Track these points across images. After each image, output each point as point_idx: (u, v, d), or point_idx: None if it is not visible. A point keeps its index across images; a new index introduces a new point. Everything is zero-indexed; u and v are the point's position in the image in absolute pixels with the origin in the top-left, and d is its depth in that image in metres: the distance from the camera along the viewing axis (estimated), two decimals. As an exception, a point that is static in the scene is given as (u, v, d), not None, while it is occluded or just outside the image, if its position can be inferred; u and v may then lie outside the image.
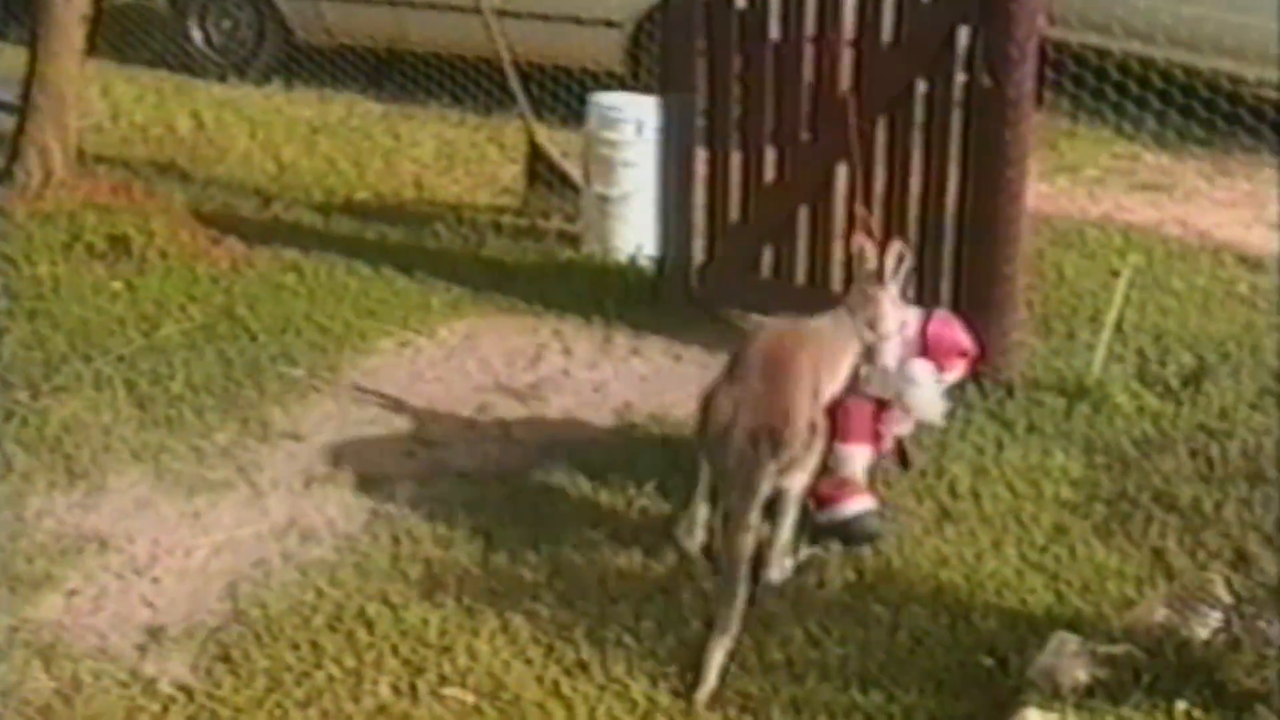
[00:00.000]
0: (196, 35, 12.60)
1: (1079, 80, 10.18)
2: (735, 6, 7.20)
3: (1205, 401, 6.64)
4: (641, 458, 6.19)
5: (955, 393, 6.18)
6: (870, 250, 5.81)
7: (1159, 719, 4.41)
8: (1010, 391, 6.67)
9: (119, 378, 6.82)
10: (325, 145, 10.58)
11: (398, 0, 11.72)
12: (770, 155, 7.26)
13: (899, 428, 5.87)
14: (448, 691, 4.87)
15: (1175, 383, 6.74)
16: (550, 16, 10.96)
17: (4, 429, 6.36)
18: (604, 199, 8.36)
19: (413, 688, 4.89)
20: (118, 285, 7.82)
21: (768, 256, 7.36)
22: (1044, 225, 8.55)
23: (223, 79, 12.31)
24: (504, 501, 5.91)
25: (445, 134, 10.91)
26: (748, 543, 5.19)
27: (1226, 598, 4.70)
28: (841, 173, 7.00)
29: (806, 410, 5.37)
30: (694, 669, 4.92)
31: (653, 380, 7.04)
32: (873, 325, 5.65)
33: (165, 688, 4.90)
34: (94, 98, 10.98)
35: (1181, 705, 4.42)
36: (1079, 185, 9.97)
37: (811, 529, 5.60)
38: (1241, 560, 5.35)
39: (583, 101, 8.78)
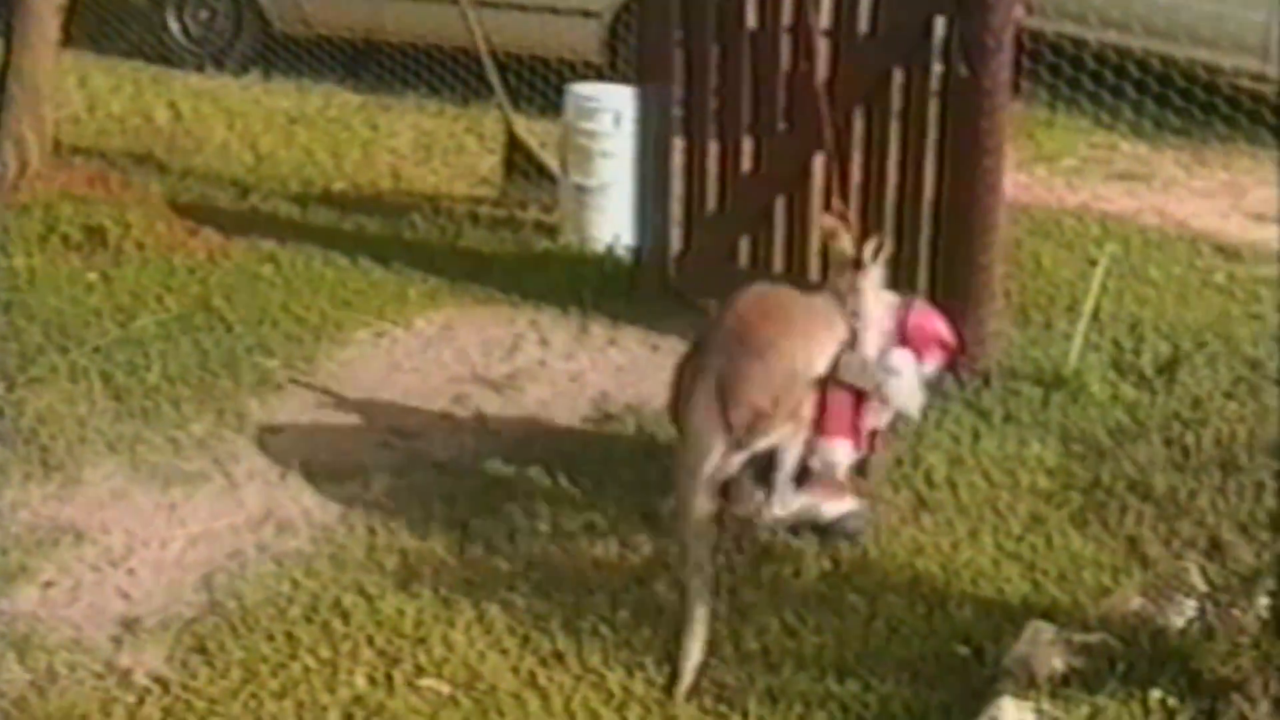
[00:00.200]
0: (174, 26, 12.58)
1: (1056, 70, 10.20)
2: (713, -4, 7.20)
3: (1180, 390, 6.65)
4: (618, 448, 6.20)
5: (932, 385, 6.18)
6: (843, 233, 5.80)
7: (1134, 708, 4.42)
8: (987, 381, 6.68)
9: (95, 369, 6.79)
10: (303, 136, 10.57)
11: (374, -10, 11.72)
12: (747, 145, 7.25)
13: (875, 420, 5.85)
14: (423, 682, 4.86)
15: (1150, 372, 6.75)
16: (528, 7, 10.96)
17: (-21, 421, 6.36)
18: (581, 189, 8.36)
19: (388, 678, 4.87)
20: (93, 276, 7.80)
21: (745, 246, 7.36)
22: (1022, 215, 8.59)
23: (200, 70, 12.30)
24: (480, 492, 5.90)
25: (423, 124, 10.91)
26: (699, 531, 5.21)
27: (1201, 586, 4.71)
28: (818, 163, 7.01)
29: (781, 388, 5.37)
30: (670, 661, 4.92)
31: (630, 370, 7.04)
32: (854, 313, 5.64)
33: (140, 679, 4.88)
34: (71, 88, 10.95)
35: (1156, 694, 4.43)
36: (1057, 175, 9.99)
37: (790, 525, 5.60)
38: (1216, 549, 5.36)
39: (560, 92, 8.78)
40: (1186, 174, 10.11)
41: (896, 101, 6.81)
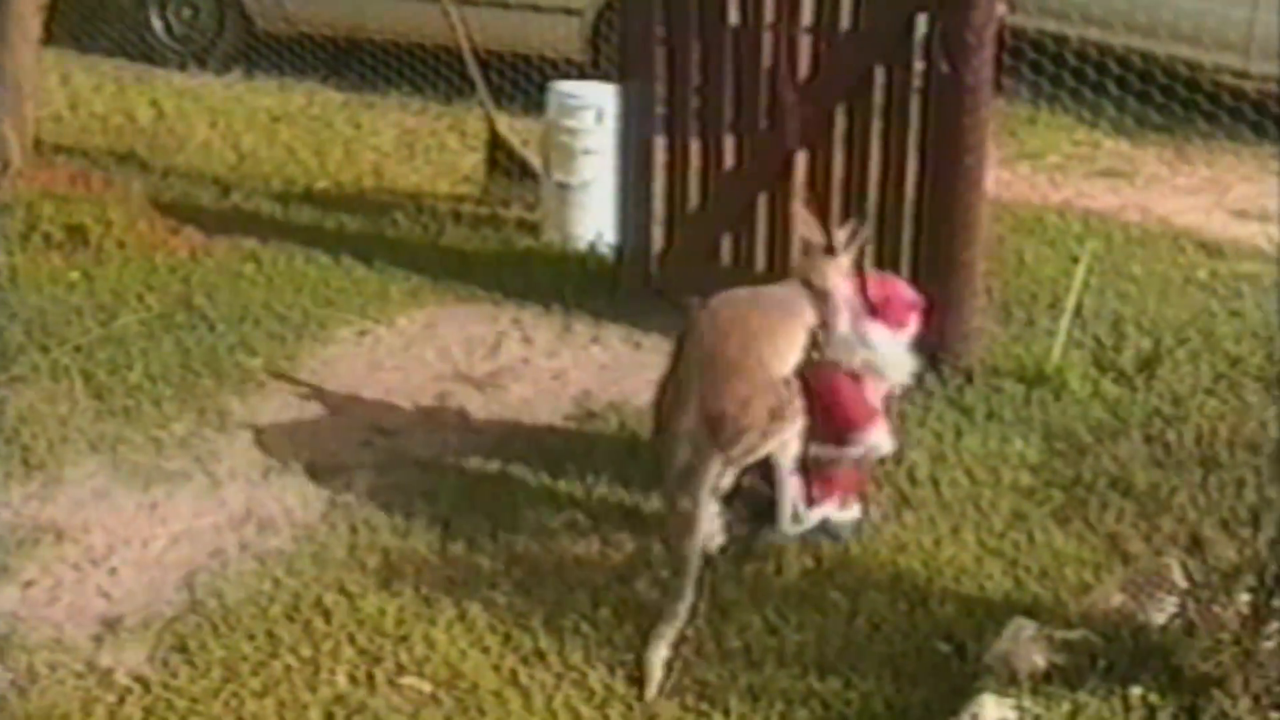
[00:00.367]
0: (157, 24, 12.54)
1: (1037, 67, 10.21)
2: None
3: (1161, 387, 6.66)
4: (600, 446, 6.19)
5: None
6: (814, 221, 5.81)
7: (1115, 704, 4.42)
8: (970, 378, 6.69)
9: (76, 368, 6.79)
10: (285, 134, 10.55)
11: (356, -12, 11.71)
12: (729, 143, 7.24)
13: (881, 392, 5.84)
14: (405, 681, 4.86)
15: (1131, 369, 6.75)
16: (510, 4, 10.95)
17: (-40, 420, 6.35)
18: (564, 187, 8.35)
19: (370, 677, 4.87)
20: (75, 275, 7.78)
21: (727, 244, 7.36)
22: (1004, 212, 8.59)
23: (183, 68, 12.27)
24: (462, 490, 5.90)
25: (406, 123, 10.90)
26: (695, 538, 5.21)
27: (1182, 583, 4.70)
28: (801, 160, 7.01)
29: (760, 397, 5.36)
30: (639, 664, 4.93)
31: (612, 368, 7.04)
32: (824, 297, 5.62)
33: (121, 679, 4.88)
34: (53, 87, 10.94)
35: (1137, 690, 4.43)
36: (1040, 172, 9.99)
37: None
38: (1196, 545, 5.33)
39: (543, 90, 8.77)
40: (1169, 171, 10.12)
41: (878, 99, 6.81)
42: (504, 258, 8.24)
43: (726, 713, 4.72)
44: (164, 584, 5.37)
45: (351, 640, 5.03)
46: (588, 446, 6.19)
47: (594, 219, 8.15)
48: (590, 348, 7.24)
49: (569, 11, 11.00)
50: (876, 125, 6.83)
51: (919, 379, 6.31)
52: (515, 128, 9.37)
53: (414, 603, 5.20)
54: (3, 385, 6.61)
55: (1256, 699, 4.34)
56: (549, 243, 8.36)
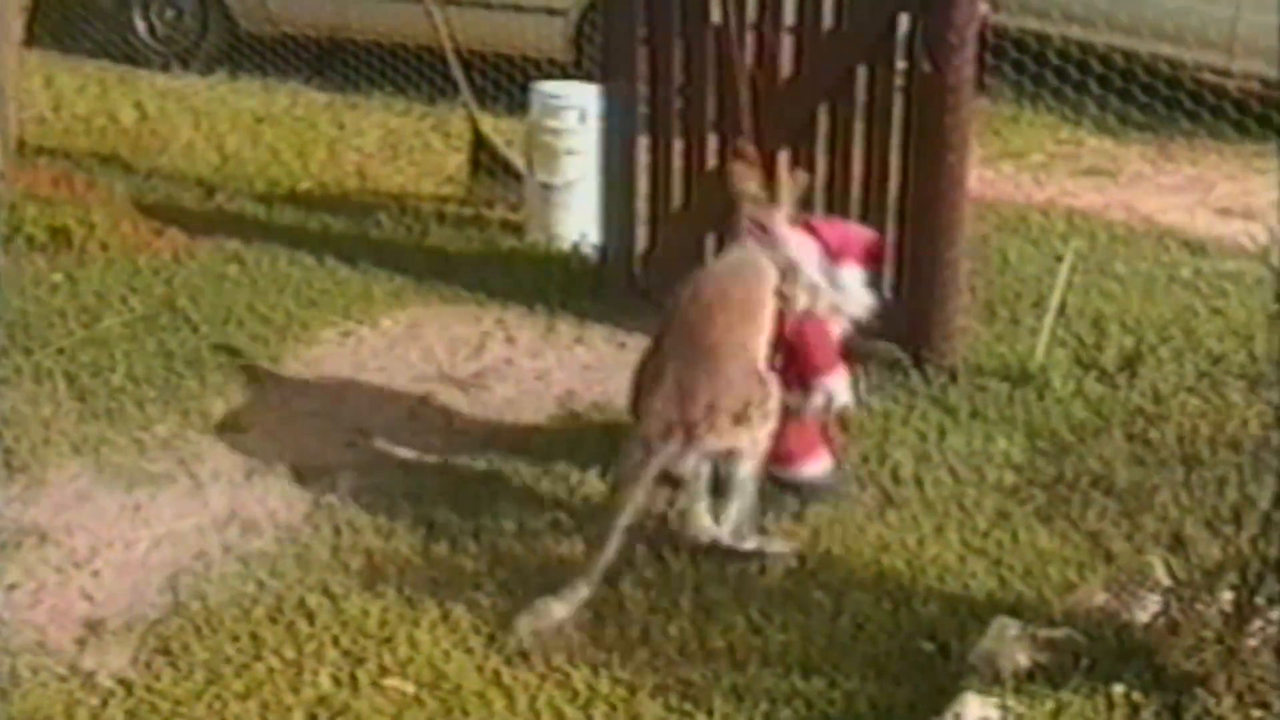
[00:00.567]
0: (140, 25, 12.52)
1: (1020, 66, 10.22)
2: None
3: (1143, 385, 6.67)
4: (584, 446, 6.18)
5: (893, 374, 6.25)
6: (748, 172, 5.81)
7: (1098, 702, 4.42)
8: (954, 377, 6.69)
9: (59, 370, 6.77)
10: (269, 135, 10.54)
11: (339, -12, 11.70)
12: (712, 142, 7.24)
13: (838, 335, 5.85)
14: (388, 682, 4.85)
15: (1113, 368, 6.76)
16: (493, 5, 10.94)
17: (-57, 423, 6.33)
18: (547, 187, 8.35)
19: (353, 678, 4.86)
20: (58, 277, 7.77)
21: (710, 244, 7.35)
22: (988, 211, 8.61)
23: (166, 69, 12.25)
24: (446, 491, 5.89)
25: (390, 123, 10.88)
26: (630, 505, 5.20)
27: (1165, 581, 4.70)
28: (784, 159, 7.01)
29: (740, 384, 5.36)
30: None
31: (596, 369, 7.03)
32: (776, 249, 5.62)
33: (104, 681, 4.87)
34: (36, 89, 10.92)
35: (1120, 688, 4.43)
36: (1024, 171, 10.00)
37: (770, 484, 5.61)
38: (1179, 544, 5.34)
39: (526, 90, 8.77)
40: (1153, 169, 10.13)
41: (861, 98, 6.81)
42: (488, 258, 8.23)
43: (710, 712, 4.71)
44: (147, 586, 5.36)
45: (335, 642, 5.02)
46: (571, 447, 6.18)
47: (578, 219, 8.15)
48: (574, 348, 7.24)
49: (552, 12, 11.00)
50: (859, 124, 6.84)
51: (904, 376, 6.36)
52: (499, 128, 9.38)
53: (397, 604, 5.20)
54: (-15, 388, 6.61)
55: (1240, 697, 4.34)
56: (533, 243, 8.36)
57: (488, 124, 9.23)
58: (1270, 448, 5.30)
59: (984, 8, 6.74)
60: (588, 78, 8.76)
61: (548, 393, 6.78)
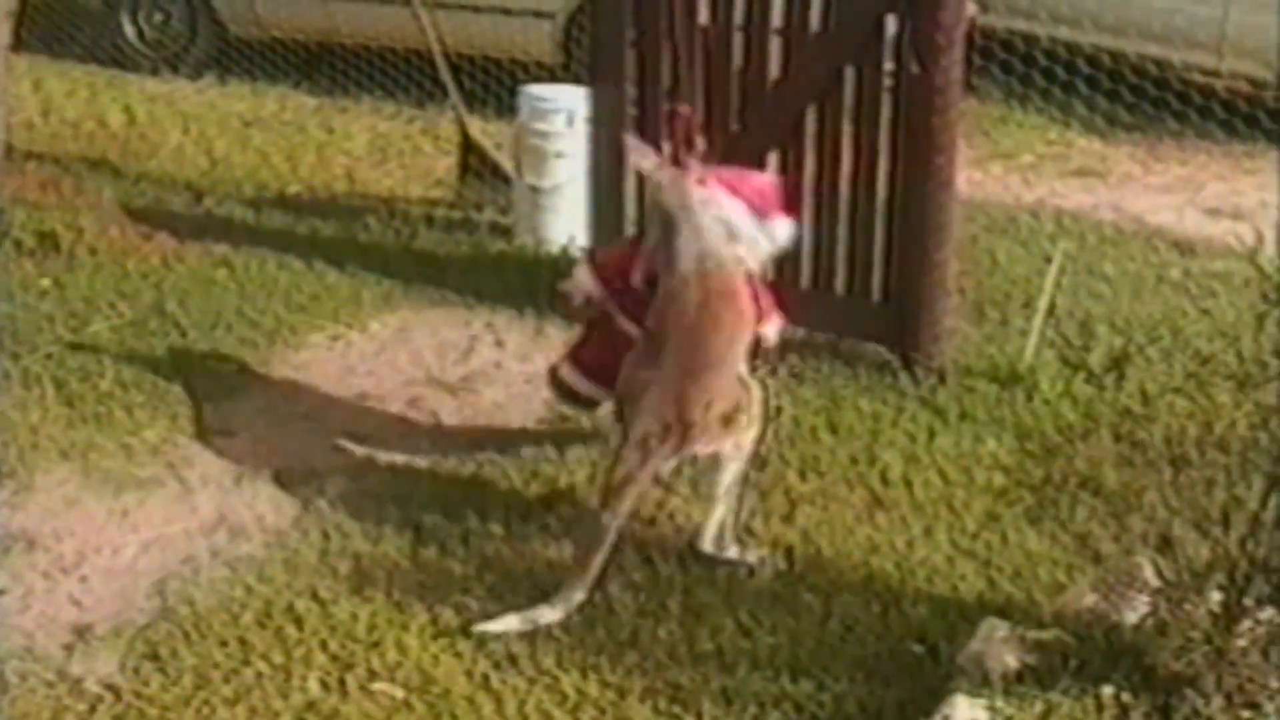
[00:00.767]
0: (129, 29, 12.53)
1: (1008, 67, 10.22)
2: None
3: (1131, 387, 6.67)
4: (573, 450, 6.17)
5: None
6: (641, 146, 5.92)
7: (1087, 704, 4.41)
8: (943, 379, 6.70)
9: (47, 375, 6.76)
10: (258, 139, 10.54)
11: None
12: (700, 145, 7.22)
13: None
14: (377, 687, 4.84)
15: (1101, 368, 6.75)
16: (481, 8, 10.93)
17: (-69, 428, 6.32)
18: (536, 190, 8.35)
19: (341, 683, 4.85)
20: (46, 282, 7.76)
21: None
22: (978, 212, 8.61)
23: (155, 73, 12.26)
24: (434, 495, 5.89)
25: (379, 127, 10.89)
26: (626, 508, 5.19)
27: (1154, 582, 4.71)
28: (772, 161, 7.02)
29: (731, 391, 5.35)
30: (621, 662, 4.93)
31: (585, 372, 7.02)
32: (688, 209, 5.59)
33: (92, 687, 4.86)
34: (25, 93, 10.92)
35: (1110, 690, 4.43)
36: (1013, 172, 10.01)
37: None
38: (1167, 544, 5.35)
39: (515, 93, 8.76)
40: (1142, 169, 10.14)
41: (849, 99, 6.81)
42: (477, 261, 8.23)
43: (699, 715, 4.70)
44: (135, 591, 5.35)
45: (323, 646, 5.01)
46: (560, 450, 6.17)
47: (566, 222, 8.15)
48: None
49: (540, 15, 10.99)
50: (847, 126, 6.84)
51: (893, 377, 6.40)
52: (488, 131, 9.38)
53: (386, 608, 5.19)
54: (-27, 393, 6.60)
55: (1229, 697, 4.34)
56: (522, 246, 8.36)
57: (476, 127, 9.23)
58: (1258, 448, 5.28)
59: (971, 9, 6.74)
60: (576, 81, 8.76)
61: (536, 396, 6.75)
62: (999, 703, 4.44)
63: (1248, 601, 4.42)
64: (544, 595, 5.20)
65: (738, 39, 7.04)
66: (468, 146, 9.14)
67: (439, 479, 6.03)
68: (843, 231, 6.93)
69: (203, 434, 6.42)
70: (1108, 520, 5.70)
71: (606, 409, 5.96)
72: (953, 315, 6.89)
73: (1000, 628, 4.74)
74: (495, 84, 10.47)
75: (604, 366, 5.86)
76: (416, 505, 5.80)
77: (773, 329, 5.76)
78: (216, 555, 5.55)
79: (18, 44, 9.05)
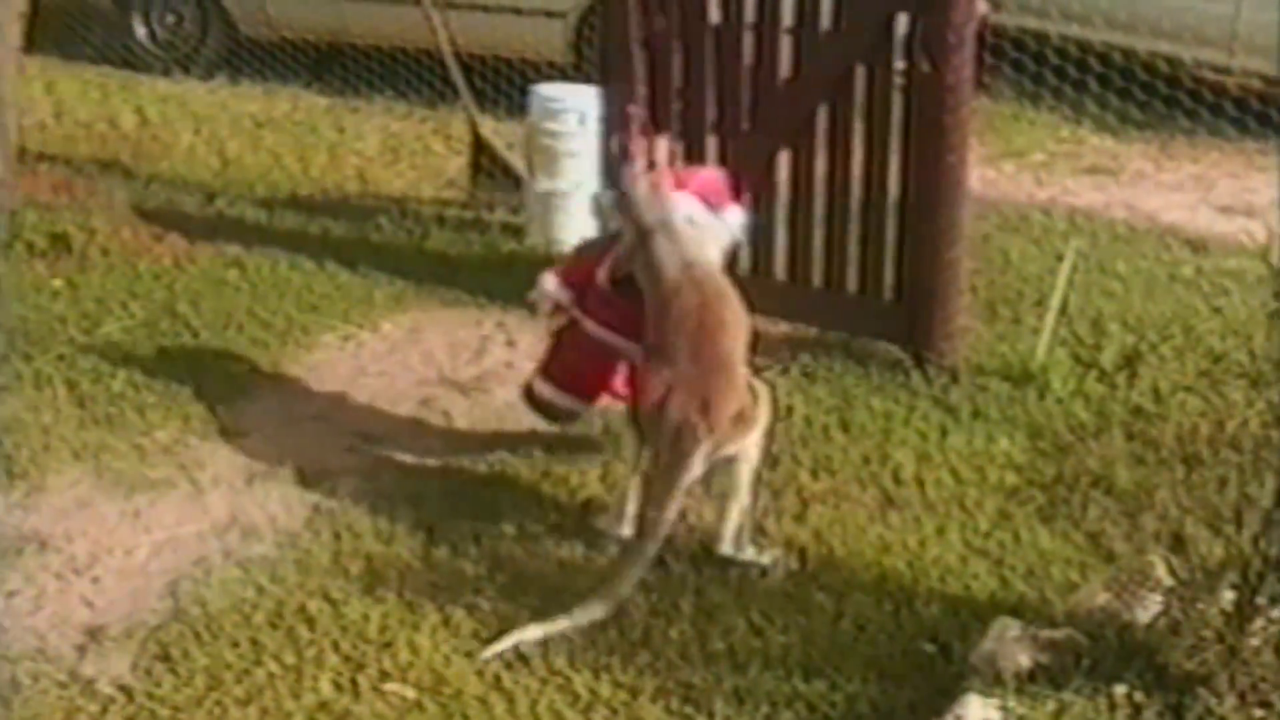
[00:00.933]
0: (140, 31, 12.53)
1: (1019, 65, 10.21)
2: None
3: (1143, 385, 6.65)
4: (584, 449, 6.16)
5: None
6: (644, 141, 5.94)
7: (1100, 703, 4.41)
8: (955, 377, 6.69)
9: (59, 376, 6.78)
10: (270, 140, 10.54)
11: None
12: (711, 144, 7.23)
13: None
14: (389, 687, 4.85)
15: (1113, 367, 6.74)
16: (491, 8, 10.93)
17: (-57, 430, 6.33)
18: (547, 190, 8.33)
19: (354, 684, 4.86)
20: (58, 283, 7.78)
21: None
22: (989, 210, 8.60)
23: (167, 74, 12.26)
24: (446, 495, 5.89)
25: (390, 127, 10.88)
26: (667, 519, 5.17)
27: (1166, 580, 4.70)
28: (784, 160, 7.02)
29: (739, 385, 5.35)
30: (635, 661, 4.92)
31: (596, 371, 7.01)
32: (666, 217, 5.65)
33: (104, 688, 4.86)
34: (37, 95, 10.95)
35: (1122, 689, 4.42)
36: (1025, 170, 9.99)
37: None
38: (1180, 543, 5.35)
39: (526, 93, 8.75)
40: (1155, 167, 10.11)
41: (860, 98, 6.81)
42: (488, 261, 8.23)
43: (711, 715, 4.70)
44: (147, 592, 5.36)
45: (335, 647, 5.02)
46: (571, 450, 6.17)
47: (578, 222, 8.13)
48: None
49: (551, 14, 10.99)
50: (858, 125, 6.84)
51: (905, 376, 6.43)
52: (499, 131, 9.36)
53: (398, 609, 5.19)
54: (-14, 394, 6.62)
55: (1242, 696, 4.33)
56: (533, 246, 8.35)
57: (488, 127, 9.22)
58: (1271, 446, 5.27)
59: (983, 7, 6.74)
60: (587, 80, 8.75)
61: (548, 396, 6.76)
62: (1011, 702, 4.43)
63: (1261, 600, 4.41)
64: (554, 594, 5.21)
65: (748, 38, 7.03)
66: (479, 146, 9.14)
67: (451, 479, 6.03)
68: (854, 230, 6.93)
69: (224, 433, 6.44)
70: (1120, 519, 5.69)
71: (591, 418, 6.09)
72: (965, 314, 6.88)
73: (1013, 627, 4.73)
74: (507, 84, 10.46)
75: (576, 376, 5.98)
76: (429, 505, 5.80)
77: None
78: (229, 556, 5.56)
79: (29, 45, 9.11)
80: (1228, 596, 4.47)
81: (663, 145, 5.88)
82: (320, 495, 5.93)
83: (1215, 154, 10.09)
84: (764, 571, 5.38)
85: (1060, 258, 7.51)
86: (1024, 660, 4.58)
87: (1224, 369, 6.79)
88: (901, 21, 6.65)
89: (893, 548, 5.56)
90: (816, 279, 7.07)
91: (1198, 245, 8.47)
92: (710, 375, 5.31)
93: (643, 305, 5.55)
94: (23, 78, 9.38)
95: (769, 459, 5.62)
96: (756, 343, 5.64)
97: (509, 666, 4.90)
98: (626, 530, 5.49)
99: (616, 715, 4.74)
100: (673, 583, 5.29)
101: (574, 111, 8.22)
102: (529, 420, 6.41)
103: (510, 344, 7.26)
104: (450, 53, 9.29)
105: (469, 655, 4.96)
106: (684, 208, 5.70)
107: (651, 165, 5.77)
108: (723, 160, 7.19)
